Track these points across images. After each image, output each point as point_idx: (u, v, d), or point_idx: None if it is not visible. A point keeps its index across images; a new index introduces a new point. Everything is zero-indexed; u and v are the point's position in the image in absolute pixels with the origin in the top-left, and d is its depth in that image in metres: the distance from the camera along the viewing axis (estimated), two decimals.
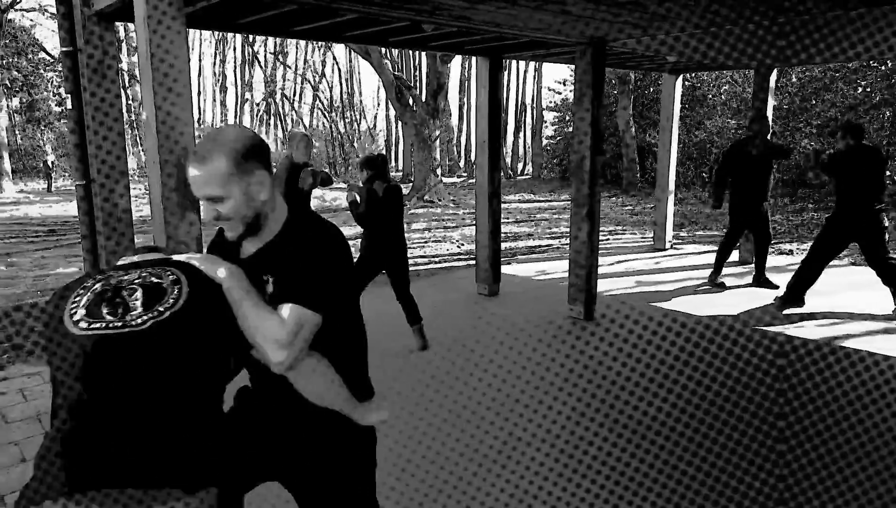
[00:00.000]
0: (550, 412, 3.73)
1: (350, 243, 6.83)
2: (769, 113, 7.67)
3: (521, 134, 36.26)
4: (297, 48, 34.60)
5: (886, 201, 5.48)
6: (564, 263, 6.57)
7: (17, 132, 24.22)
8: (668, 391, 4.01)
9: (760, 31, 5.05)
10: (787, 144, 10.24)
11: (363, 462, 1.74)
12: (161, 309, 1.31)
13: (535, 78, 34.14)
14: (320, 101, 34.90)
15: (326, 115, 33.74)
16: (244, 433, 1.67)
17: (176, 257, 1.51)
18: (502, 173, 26.91)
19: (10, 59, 22.08)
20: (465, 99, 35.59)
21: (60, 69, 4.26)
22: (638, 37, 5.20)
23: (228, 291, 1.42)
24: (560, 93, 24.97)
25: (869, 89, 14.89)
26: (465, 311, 5.90)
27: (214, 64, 36.14)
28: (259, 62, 32.78)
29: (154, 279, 1.37)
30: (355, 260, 4.78)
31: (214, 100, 38.26)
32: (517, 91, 35.78)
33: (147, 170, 3.50)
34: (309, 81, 34.77)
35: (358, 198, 4.62)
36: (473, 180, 10.56)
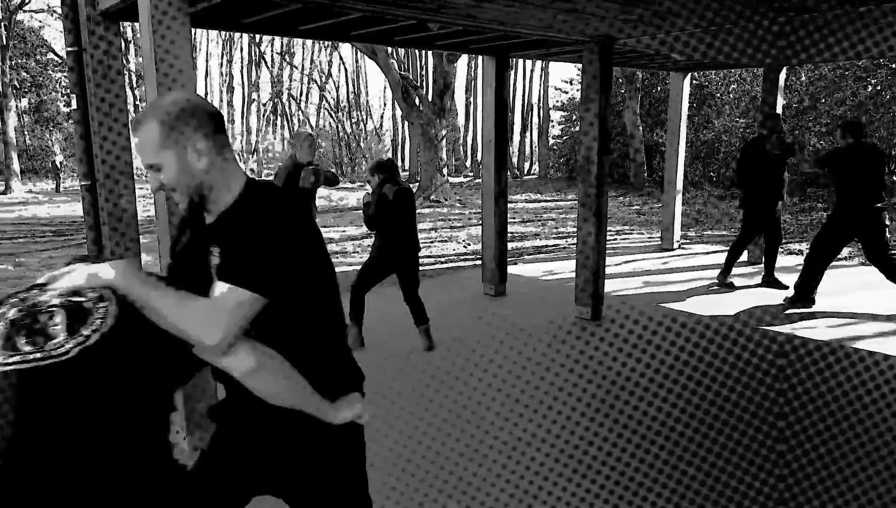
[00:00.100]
0: (556, 413, 3.69)
1: (357, 242, 6.84)
2: (778, 112, 7.60)
3: (528, 133, 36.18)
4: (303, 48, 34.64)
5: (886, 200, 5.43)
6: (571, 263, 6.53)
7: (25, 133, 24.37)
8: (675, 392, 3.96)
9: (769, 29, 4.99)
10: (800, 141, 10.16)
11: (350, 462, 1.65)
12: (86, 333, 1.17)
13: (541, 77, 34.03)
14: (327, 101, 34.94)
15: (333, 115, 33.77)
16: (226, 452, 1.61)
17: (40, 281, 1.27)
18: (509, 173, 26.86)
19: (19, 60, 22.22)
20: (472, 98, 35.54)
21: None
22: (645, 35, 5.16)
23: (128, 292, 1.24)
24: (567, 92, 24.90)
25: (879, 87, 14.76)
26: (471, 311, 5.87)
27: (221, 64, 36.24)
28: (266, 62, 32.85)
29: (75, 299, 1.21)
30: (367, 261, 4.76)
31: (221, 100, 38.34)
32: (524, 90, 35.71)
33: None
34: (315, 81, 34.81)
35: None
36: (480, 180, 10.54)
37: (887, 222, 5.37)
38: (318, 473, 1.58)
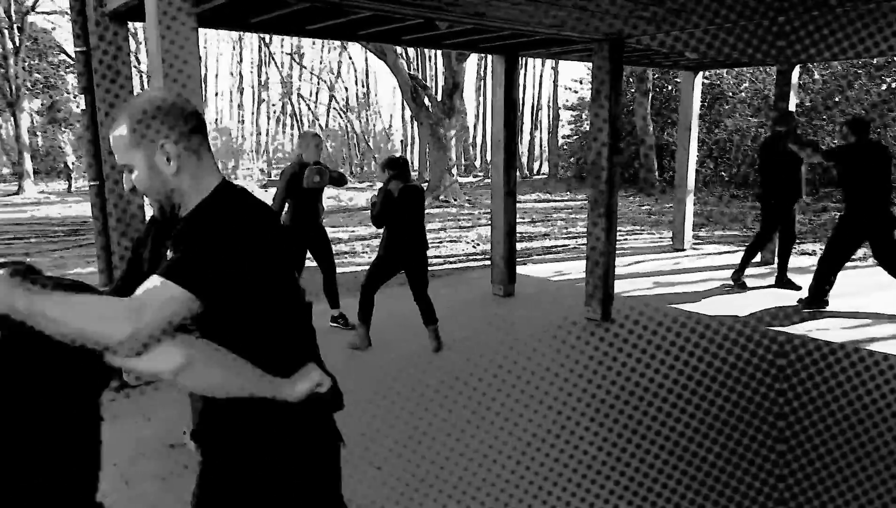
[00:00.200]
0: (566, 416, 3.65)
1: (366, 242, 6.80)
2: (791, 110, 7.51)
3: (538, 133, 36.09)
4: (313, 49, 34.75)
5: None
6: (581, 263, 6.48)
7: (38, 134, 24.57)
8: (685, 393, 3.90)
9: (782, 27, 4.92)
10: (815, 140, 10.06)
11: (323, 473, 1.57)
12: None
13: (551, 76, 33.94)
14: (336, 101, 35.00)
15: (342, 115, 33.82)
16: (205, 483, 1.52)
17: None
18: (518, 173, 26.83)
19: (32, 62, 22.39)
20: (482, 98, 35.49)
21: None
22: (656, 33, 5.10)
23: (10, 308, 1.08)
24: (577, 92, 24.80)
25: (895, 85, 14.58)
26: (479, 311, 5.83)
27: (231, 65, 36.38)
28: (275, 63, 32.95)
29: None
30: (374, 260, 4.74)
31: (231, 101, 38.51)
32: (534, 90, 35.65)
33: None
34: (325, 82, 34.88)
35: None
36: (489, 180, 10.51)
37: None
38: (290, 487, 1.48)
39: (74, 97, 24.54)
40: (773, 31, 5.21)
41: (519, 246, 8.44)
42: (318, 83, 35.62)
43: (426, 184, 17.47)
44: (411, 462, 3.13)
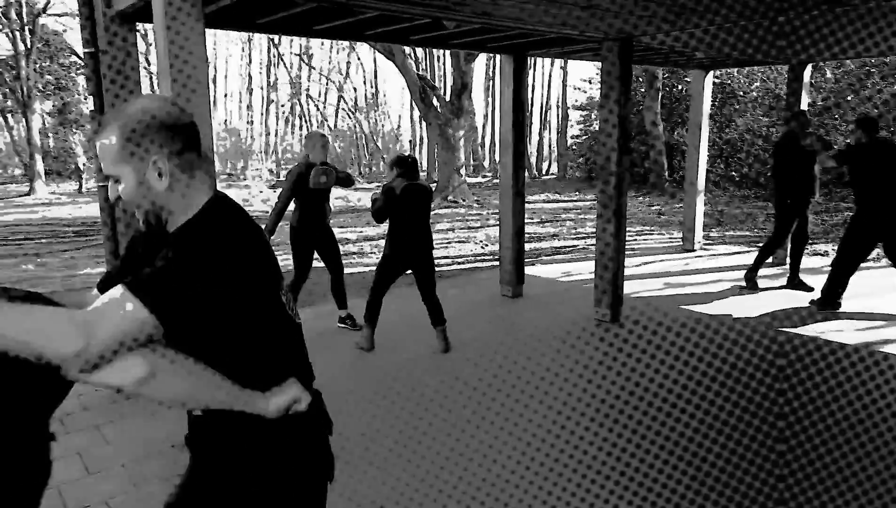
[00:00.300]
0: (574, 419, 3.62)
1: (374, 242, 6.79)
2: (804, 108, 7.44)
3: (547, 133, 36.00)
4: (322, 49, 34.81)
5: None
6: (590, 264, 6.44)
7: (49, 135, 24.76)
8: (695, 396, 3.86)
9: (793, 25, 4.86)
10: (828, 139, 9.97)
11: (308, 493, 1.48)
12: None
13: (560, 76, 33.85)
14: (345, 101, 35.06)
15: (351, 115, 33.87)
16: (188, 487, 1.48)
17: None
18: (527, 173, 26.73)
19: (43, 64, 22.56)
20: (491, 98, 35.45)
21: None
22: (666, 31, 5.05)
23: None
24: (586, 91, 24.72)
25: None
26: (488, 312, 5.80)
27: (241, 66, 36.54)
28: (284, 64, 33.05)
29: None
30: (380, 261, 4.73)
31: (241, 101, 38.67)
32: (542, 89, 35.57)
33: None
34: (334, 82, 34.95)
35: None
36: (498, 180, 10.47)
37: None
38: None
39: (85, 98, 24.70)
40: (783, 29, 5.15)
41: (528, 247, 8.40)
42: (327, 84, 35.70)
43: (435, 184, 17.46)
44: (411, 463, 3.11)
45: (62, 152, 24.45)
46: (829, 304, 5.59)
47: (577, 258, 8.50)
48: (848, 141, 14.12)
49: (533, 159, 32.53)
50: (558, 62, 31.32)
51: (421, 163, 34.05)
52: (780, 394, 3.90)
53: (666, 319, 5.47)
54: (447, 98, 16.66)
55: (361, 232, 11.65)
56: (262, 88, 35.75)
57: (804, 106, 7.44)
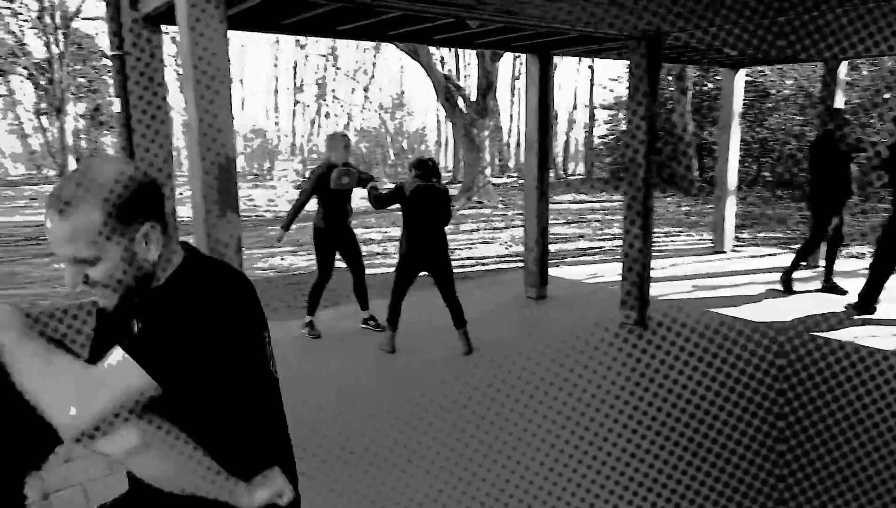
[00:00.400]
0: (598, 423, 3.54)
1: (397, 242, 6.71)
2: (839, 107, 7.24)
3: (573, 133, 35.71)
4: (347, 49, 34.98)
5: None
6: (617, 266, 6.33)
7: (82, 137, 25.30)
8: (724, 401, 3.75)
9: (827, 21, 4.71)
10: (862, 140, 9.71)
11: None
12: None
13: (588, 75, 33.54)
14: (370, 101, 35.19)
15: (376, 115, 33.99)
16: None
17: None
18: (553, 173, 26.49)
19: (76, 67, 23.05)
20: (516, 98, 35.29)
21: None
22: (695, 29, 4.94)
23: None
24: (613, 90, 24.44)
25: None
26: (511, 315, 5.73)
27: (268, 68, 36.93)
28: (310, 65, 33.31)
29: None
30: (397, 264, 4.71)
31: (267, 102, 39.03)
32: (569, 88, 35.27)
33: (188, 171, 3.49)
34: (359, 83, 35.10)
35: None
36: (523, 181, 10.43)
37: None
38: None
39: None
40: (817, 26, 5.00)
41: (553, 248, 8.30)
42: (353, 84, 35.88)
43: (459, 184, 17.42)
44: (435, 464, 3.06)
45: (94, 153, 24.96)
46: (865, 308, 5.41)
47: (604, 260, 8.38)
48: (884, 141, 13.73)
49: (559, 159, 32.28)
50: (586, 60, 31.04)
51: (446, 163, 34.08)
52: (816, 401, 3.77)
53: (694, 322, 5.34)
54: (472, 98, 16.60)
55: (386, 232, 11.65)
56: (288, 89, 36.07)
57: (839, 104, 7.23)
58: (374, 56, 34.27)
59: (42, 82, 21.63)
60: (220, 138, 3.18)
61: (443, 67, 21.11)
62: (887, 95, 14.65)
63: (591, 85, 32.35)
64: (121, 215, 1.11)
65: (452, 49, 24.63)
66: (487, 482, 2.97)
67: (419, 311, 5.43)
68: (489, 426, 3.53)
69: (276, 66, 37.20)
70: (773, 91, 17.67)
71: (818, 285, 6.39)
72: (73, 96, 22.38)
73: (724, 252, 8.38)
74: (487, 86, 16.06)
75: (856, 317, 5.36)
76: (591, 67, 32.05)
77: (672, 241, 10.08)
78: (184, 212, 9.33)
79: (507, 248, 9.80)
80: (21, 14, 19.75)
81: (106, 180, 1.11)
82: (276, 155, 29.28)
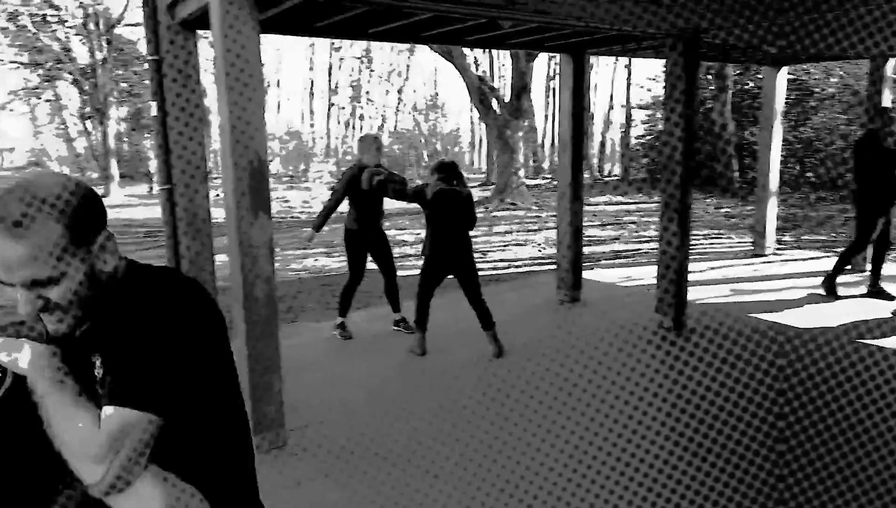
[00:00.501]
0: (631, 430, 3.45)
1: (414, 247, 6.73)
2: (887, 105, 6.97)
3: (609, 133, 35.28)
4: (381, 51, 35.21)
5: None
6: (652, 269, 6.20)
7: (124, 140, 25.96)
8: (764, 411, 3.62)
9: (873, 16, 4.53)
10: None
11: None
12: None
13: (624, 74, 33.10)
14: (404, 103, 35.35)
15: (410, 117, 34.12)
16: None
17: None
18: (588, 174, 26.17)
19: (118, 71, 23.66)
20: (551, 98, 35.03)
21: None
22: (734, 27, 4.80)
23: (32, 384, 1.03)
24: (650, 90, 24.07)
25: None
26: (542, 317, 5.66)
27: (303, 70, 37.43)
28: (345, 67, 33.63)
29: None
30: (421, 266, 4.69)
31: (302, 103, 39.51)
32: (605, 88, 34.89)
33: (221, 173, 3.52)
34: (393, 85, 35.30)
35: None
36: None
37: None
38: None
39: None
40: (864, 22, 4.81)
41: (587, 250, 8.18)
42: (387, 86, 36.09)
43: (492, 186, 17.34)
44: (458, 466, 3.02)
45: (135, 156, 25.61)
46: None
47: (639, 263, 8.23)
48: None
49: (595, 160, 31.93)
50: (622, 60, 30.66)
51: (479, 165, 34.01)
52: (856, 413, 3.62)
53: (733, 327, 5.19)
54: (506, 99, 16.52)
55: (419, 235, 11.65)
56: (323, 92, 36.46)
57: (886, 103, 6.96)
58: (408, 58, 34.43)
59: (86, 87, 22.27)
60: (253, 141, 3.21)
61: (477, 68, 21.07)
62: None
63: (628, 84, 31.93)
64: (78, 225, 1.03)
65: (486, 50, 24.59)
66: (511, 484, 2.92)
67: (446, 313, 5.40)
68: (518, 431, 3.47)
69: (311, 69, 37.55)
70: (817, 89, 17.16)
71: (864, 289, 6.17)
72: (115, 100, 22.99)
73: (765, 255, 8.14)
74: (522, 87, 15.96)
75: None
76: (627, 67, 31.64)
77: (711, 244, 9.86)
78: (218, 214, 9.46)
79: (540, 250, 9.71)
80: (67, 21, 20.34)
81: (53, 192, 1.01)
82: (311, 157, 29.61)
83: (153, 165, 22.44)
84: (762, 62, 7.78)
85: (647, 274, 6.95)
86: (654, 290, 5.40)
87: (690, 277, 5.41)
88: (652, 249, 9.34)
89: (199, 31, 4.34)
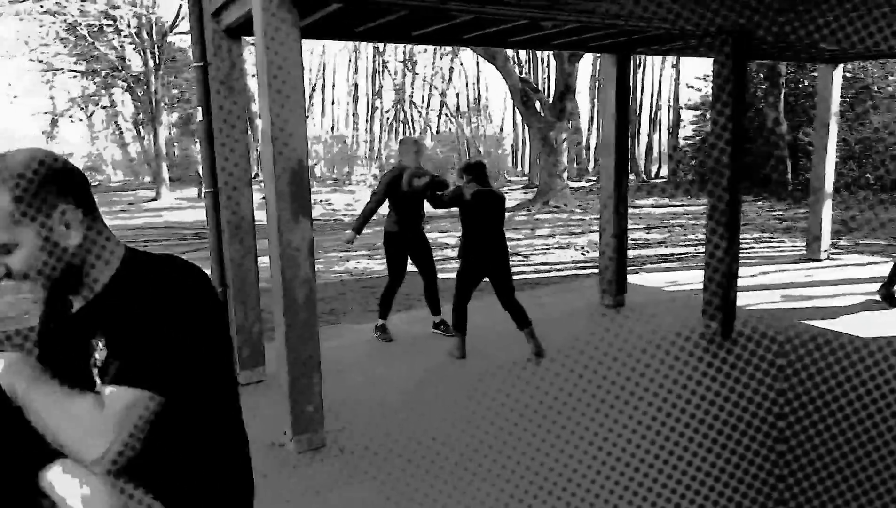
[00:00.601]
0: (674, 441, 3.34)
1: (455, 249, 6.62)
2: None
3: (656, 135, 34.63)
4: (424, 54, 35.38)
5: None
6: (700, 273, 6.03)
7: (175, 144, 26.76)
8: (817, 422, 3.47)
9: None
10: None
11: None
12: None
13: (672, 73, 32.44)
14: (447, 106, 35.42)
15: (453, 120, 34.17)
16: None
17: None
18: (634, 176, 25.72)
19: (170, 78, 24.40)
20: (596, 99, 34.59)
21: None
22: (785, 24, 4.63)
23: (10, 390, 1.08)
24: (700, 90, 23.52)
25: None
26: (585, 322, 5.56)
27: (348, 75, 37.89)
28: (388, 71, 33.90)
29: None
30: (458, 269, 4.67)
31: (348, 106, 40.02)
32: (653, 88, 34.29)
33: (263, 177, 3.57)
34: (436, 88, 35.41)
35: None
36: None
37: None
38: None
39: None
40: None
41: (632, 254, 8.02)
42: (430, 89, 36.23)
43: (535, 189, 17.20)
44: (491, 472, 2.97)
45: (184, 160, 26.35)
46: None
47: (687, 267, 8.03)
48: None
49: (641, 162, 31.38)
50: (670, 59, 30.07)
51: (522, 167, 33.81)
52: None
53: (784, 335, 5.00)
54: (550, 101, 16.37)
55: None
56: (367, 96, 36.82)
57: None
58: (451, 61, 34.50)
59: (139, 94, 23.04)
60: (293, 144, 3.24)
61: (520, 70, 20.97)
62: None
63: (676, 84, 31.29)
64: (32, 195, 1.09)
65: (530, 51, 24.44)
66: (544, 490, 2.86)
67: (484, 317, 5.36)
68: (554, 436, 3.41)
69: (355, 72, 38.02)
70: (875, 88, 16.49)
71: None
72: (166, 106, 23.71)
73: (820, 260, 7.84)
74: (565, 88, 15.79)
75: None
76: (674, 67, 31.02)
77: (762, 247, 9.55)
78: (261, 216, 9.62)
79: (583, 254, 9.57)
80: (122, 31, 21.09)
81: (15, 163, 1.09)
82: (355, 160, 29.94)
83: (201, 168, 23.11)
84: (816, 59, 7.50)
85: (695, 278, 6.77)
86: (700, 294, 5.25)
87: (740, 281, 5.24)
88: (700, 252, 9.11)
89: (244, 38, 4.42)
